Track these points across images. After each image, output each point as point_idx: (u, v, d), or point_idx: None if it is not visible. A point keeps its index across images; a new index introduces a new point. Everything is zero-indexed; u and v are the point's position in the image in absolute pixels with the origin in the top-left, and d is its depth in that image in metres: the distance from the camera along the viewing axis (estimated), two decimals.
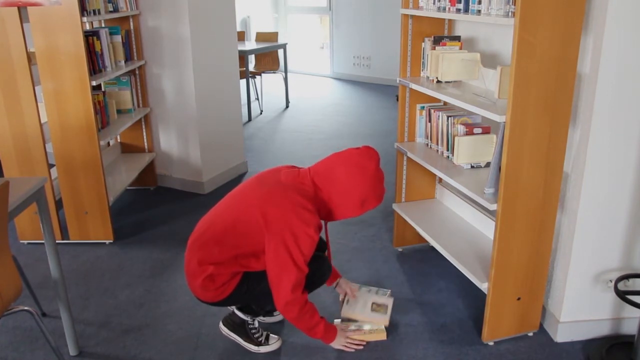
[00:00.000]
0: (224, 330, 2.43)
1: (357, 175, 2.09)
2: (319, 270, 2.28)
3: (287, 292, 2.05)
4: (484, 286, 2.34)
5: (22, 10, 2.95)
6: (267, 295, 2.17)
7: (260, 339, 2.39)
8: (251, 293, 2.19)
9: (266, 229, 2.04)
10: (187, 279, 2.20)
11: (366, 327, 2.48)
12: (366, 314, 2.52)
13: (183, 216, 3.80)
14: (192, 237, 2.19)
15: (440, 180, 3.20)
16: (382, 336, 2.47)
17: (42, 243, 3.35)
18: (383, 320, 2.51)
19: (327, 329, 2.26)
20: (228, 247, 2.09)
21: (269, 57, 7.14)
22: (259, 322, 2.45)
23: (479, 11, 2.24)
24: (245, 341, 2.39)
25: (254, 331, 2.39)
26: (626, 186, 2.23)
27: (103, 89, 3.84)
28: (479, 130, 2.55)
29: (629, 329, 2.45)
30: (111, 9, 3.49)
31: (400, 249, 3.28)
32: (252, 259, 2.13)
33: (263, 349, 2.39)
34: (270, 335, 2.44)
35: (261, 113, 6.82)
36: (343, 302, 2.57)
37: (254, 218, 2.05)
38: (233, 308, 2.41)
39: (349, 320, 2.54)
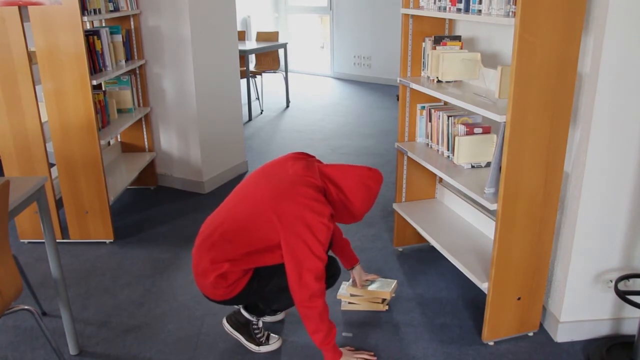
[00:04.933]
0: (227, 327, 2.43)
1: (363, 194, 2.16)
2: (329, 271, 2.28)
3: (311, 284, 2.01)
4: (484, 286, 2.34)
5: (22, 9, 2.95)
6: (276, 294, 2.18)
7: (261, 339, 2.40)
8: (261, 291, 2.20)
9: (280, 225, 2.03)
10: (197, 278, 2.20)
11: (373, 286, 2.62)
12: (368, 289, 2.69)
13: (183, 216, 3.80)
14: (202, 236, 2.18)
15: (441, 180, 3.20)
16: (383, 307, 2.61)
17: (43, 242, 3.35)
18: (384, 294, 2.63)
19: (334, 346, 2.16)
20: (241, 244, 2.10)
21: (269, 57, 7.14)
22: (262, 322, 2.45)
23: (480, 11, 2.24)
24: (247, 340, 2.39)
25: (256, 331, 2.40)
26: (626, 186, 2.23)
27: (103, 89, 3.84)
28: (479, 130, 2.55)
29: (629, 329, 2.45)
30: (112, 9, 3.49)
31: (400, 249, 3.28)
32: (266, 254, 2.12)
33: (263, 349, 2.39)
34: (271, 335, 2.44)
35: (261, 113, 6.82)
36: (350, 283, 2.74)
37: (265, 214, 2.05)
38: (240, 307, 2.41)
39: (352, 295, 2.68)
